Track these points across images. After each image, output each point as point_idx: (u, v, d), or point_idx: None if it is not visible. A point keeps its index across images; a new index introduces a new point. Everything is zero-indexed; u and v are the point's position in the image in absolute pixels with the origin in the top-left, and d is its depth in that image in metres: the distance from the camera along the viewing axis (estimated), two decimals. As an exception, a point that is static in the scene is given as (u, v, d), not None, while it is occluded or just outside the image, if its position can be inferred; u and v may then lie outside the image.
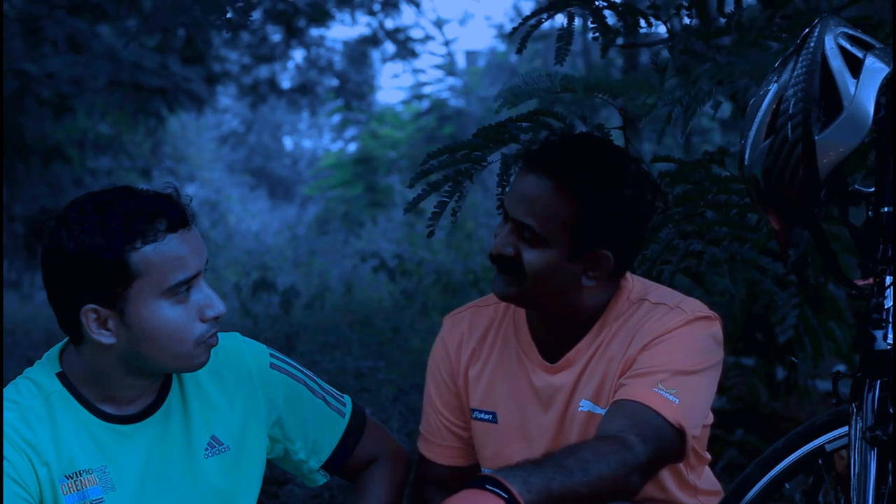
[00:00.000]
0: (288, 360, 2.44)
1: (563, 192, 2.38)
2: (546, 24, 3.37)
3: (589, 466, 2.15)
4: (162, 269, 2.14)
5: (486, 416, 2.57)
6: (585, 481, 2.13)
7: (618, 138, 3.08)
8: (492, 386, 2.57)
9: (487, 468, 2.56)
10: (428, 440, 2.69)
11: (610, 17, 3.26)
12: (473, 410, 2.59)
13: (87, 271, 2.12)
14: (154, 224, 2.13)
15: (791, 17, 3.28)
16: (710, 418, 2.57)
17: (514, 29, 3.28)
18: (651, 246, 3.12)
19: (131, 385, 2.23)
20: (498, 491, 2.04)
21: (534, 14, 3.29)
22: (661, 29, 3.40)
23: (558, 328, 2.51)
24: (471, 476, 2.19)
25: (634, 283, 2.52)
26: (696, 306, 2.47)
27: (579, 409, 2.47)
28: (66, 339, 2.26)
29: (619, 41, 3.34)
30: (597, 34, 3.19)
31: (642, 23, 3.27)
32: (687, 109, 2.92)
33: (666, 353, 2.39)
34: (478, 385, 2.58)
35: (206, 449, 2.30)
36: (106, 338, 2.16)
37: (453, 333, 2.64)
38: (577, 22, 3.38)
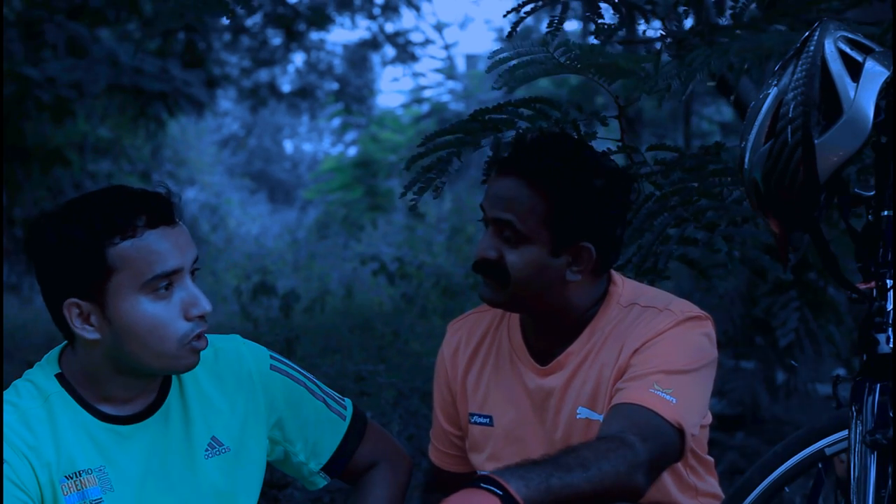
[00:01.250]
0: (288, 362, 2.45)
1: (537, 189, 2.42)
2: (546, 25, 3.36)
3: (589, 463, 2.14)
4: (139, 263, 2.14)
5: (484, 420, 2.58)
6: (586, 477, 2.13)
7: (614, 130, 3.08)
8: (488, 390, 2.58)
9: (484, 472, 2.56)
10: (435, 446, 2.73)
11: (607, 14, 3.25)
12: (472, 415, 2.60)
13: (67, 264, 2.14)
14: (133, 220, 2.14)
15: (787, 4, 3.27)
16: (709, 419, 2.57)
17: (508, 12, 3.26)
18: (646, 235, 3.11)
19: (125, 384, 2.23)
20: (492, 488, 2.05)
21: (529, 0, 3.26)
22: (660, 29, 3.39)
23: (549, 330, 2.52)
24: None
25: (625, 287, 2.53)
26: (685, 307, 2.48)
27: (577, 416, 2.48)
28: (65, 342, 2.27)
29: (618, 36, 3.33)
30: (592, 29, 3.18)
31: (640, 20, 3.26)
32: (684, 81, 2.90)
33: (659, 354, 2.40)
34: (476, 390, 2.60)
35: (207, 450, 2.30)
36: (90, 333, 2.17)
37: (450, 342, 2.66)
38: (578, 26, 3.38)
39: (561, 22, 3.17)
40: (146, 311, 2.16)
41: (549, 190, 2.41)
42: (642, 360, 2.40)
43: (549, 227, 2.42)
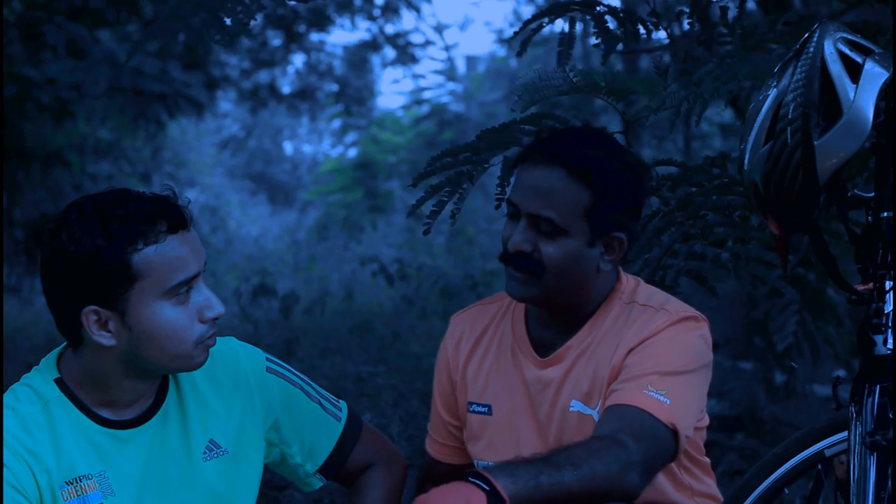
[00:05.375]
0: (284, 364, 2.45)
1: (578, 180, 2.42)
2: (545, 29, 3.38)
3: (580, 462, 2.14)
4: (163, 269, 2.15)
5: (482, 409, 2.59)
6: (577, 475, 2.13)
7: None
8: (488, 379, 2.59)
9: (481, 460, 2.58)
10: (432, 437, 2.73)
11: (610, 23, 3.26)
12: (471, 404, 2.61)
13: (89, 273, 2.12)
14: (155, 226, 2.14)
15: (792, 23, 3.29)
16: (705, 420, 2.57)
17: (516, 33, 3.29)
18: (654, 249, 3.13)
19: (130, 388, 2.23)
20: (479, 483, 2.05)
21: (534, 18, 3.30)
22: (663, 35, 3.40)
23: (555, 323, 2.52)
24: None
25: (628, 284, 2.55)
26: (681, 307, 2.48)
27: (570, 408, 2.49)
28: (63, 345, 2.26)
29: (620, 47, 3.35)
30: (598, 40, 3.20)
31: (642, 30, 3.28)
32: (691, 110, 2.93)
33: (653, 355, 2.40)
34: (476, 380, 2.61)
35: (205, 452, 2.30)
36: (106, 339, 2.16)
37: (453, 333, 2.67)
38: (578, 27, 3.39)
39: (570, 45, 3.20)
40: (167, 316, 2.16)
41: (590, 181, 2.42)
42: (637, 361, 2.40)
43: (588, 219, 2.43)
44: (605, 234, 2.45)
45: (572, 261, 2.43)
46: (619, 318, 2.49)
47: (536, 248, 2.43)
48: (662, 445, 2.32)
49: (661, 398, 2.33)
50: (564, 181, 2.42)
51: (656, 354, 2.40)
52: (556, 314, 2.52)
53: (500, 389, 2.57)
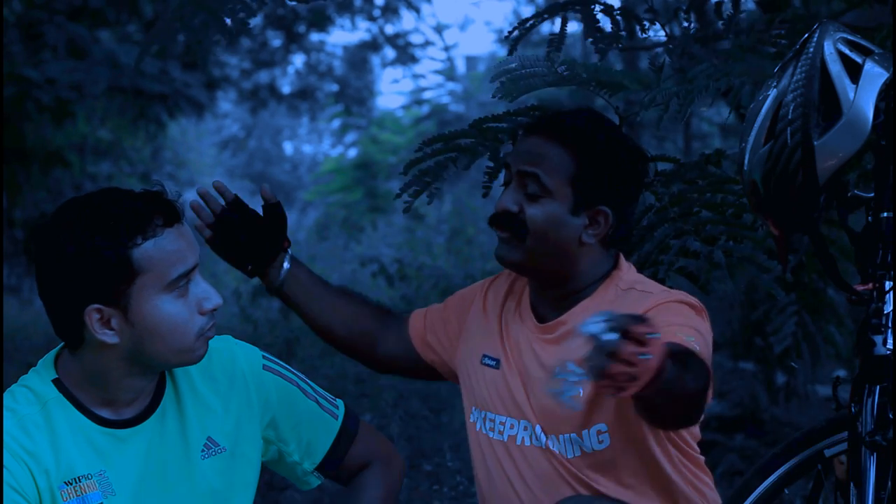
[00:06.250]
0: (280, 362, 2.46)
1: (567, 149, 2.49)
2: (547, 29, 3.38)
3: (684, 367, 2.08)
4: (163, 263, 2.16)
5: (492, 363, 2.62)
6: (691, 375, 2.09)
7: None
8: (500, 334, 2.64)
9: (480, 409, 2.60)
10: (425, 314, 2.78)
11: (607, 22, 3.27)
12: (483, 356, 2.64)
13: (91, 272, 2.13)
14: (152, 220, 2.16)
15: (790, 21, 3.29)
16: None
17: (511, 31, 3.29)
18: (646, 245, 3.13)
19: (130, 386, 2.24)
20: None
21: (533, 17, 3.30)
22: (661, 33, 3.40)
23: (549, 298, 2.56)
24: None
25: (628, 273, 2.56)
26: (681, 295, 2.48)
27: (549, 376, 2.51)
28: (60, 346, 2.27)
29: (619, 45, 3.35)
30: (592, 39, 3.21)
31: (639, 28, 3.28)
32: (682, 106, 2.94)
33: (663, 316, 2.37)
34: (493, 331, 2.65)
35: (203, 450, 2.30)
36: (109, 337, 2.17)
37: (497, 281, 2.71)
38: (578, 27, 3.39)
39: (561, 41, 3.20)
40: (169, 310, 2.18)
41: (578, 150, 2.49)
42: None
43: (572, 186, 2.48)
44: (590, 205, 2.50)
45: (554, 226, 2.49)
46: (614, 302, 2.50)
47: (522, 209, 2.50)
48: (708, 379, 2.22)
49: (691, 339, 2.28)
50: (554, 147, 2.50)
51: (665, 317, 2.37)
52: (546, 287, 2.56)
53: (509, 346, 2.61)
